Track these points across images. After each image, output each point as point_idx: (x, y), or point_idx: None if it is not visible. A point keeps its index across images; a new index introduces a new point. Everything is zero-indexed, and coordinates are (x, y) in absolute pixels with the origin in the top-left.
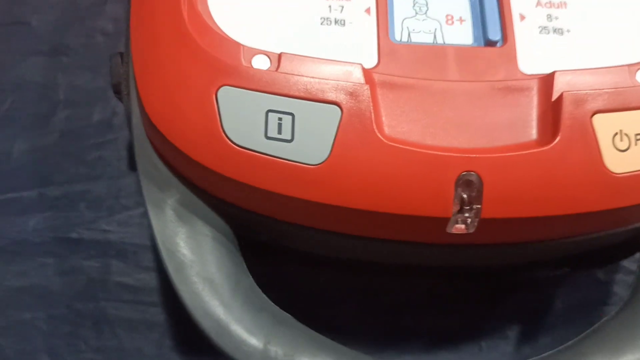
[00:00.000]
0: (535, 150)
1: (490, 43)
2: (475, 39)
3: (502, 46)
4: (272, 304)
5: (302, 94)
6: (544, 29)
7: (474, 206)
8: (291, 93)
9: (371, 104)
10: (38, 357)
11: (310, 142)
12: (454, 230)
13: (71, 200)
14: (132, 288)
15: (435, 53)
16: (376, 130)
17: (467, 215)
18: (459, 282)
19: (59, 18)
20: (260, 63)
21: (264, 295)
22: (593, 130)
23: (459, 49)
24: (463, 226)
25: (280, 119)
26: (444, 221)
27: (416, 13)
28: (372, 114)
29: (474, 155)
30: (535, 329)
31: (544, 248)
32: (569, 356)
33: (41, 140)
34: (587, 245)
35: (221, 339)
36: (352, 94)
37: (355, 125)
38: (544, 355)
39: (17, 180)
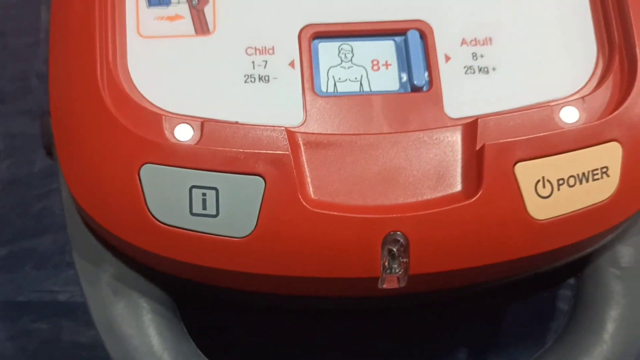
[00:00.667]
0: (459, 204)
1: (416, 88)
2: (402, 84)
3: (427, 91)
4: None
5: (224, 168)
6: (469, 69)
7: (402, 261)
8: (214, 167)
9: (294, 172)
10: None
11: (236, 216)
12: (385, 286)
13: (16, 260)
14: (85, 346)
15: (361, 103)
16: (300, 198)
17: (395, 272)
18: (409, 315)
19: None
20: (183, 134)
21: (205, 358)
22: (515, 179)
23: (385, 97)
24: (394, 282)
25: (204, 194)
26: (375, 279)
27: (342, 61)
28: (297, 182)
29: (399, 215)
30: (488, 352)
31: (479, 289)
32: None
33: None
34: (526, 280)
35: None
36: (275, 163)
37: (280, 195)
38: None
39: None
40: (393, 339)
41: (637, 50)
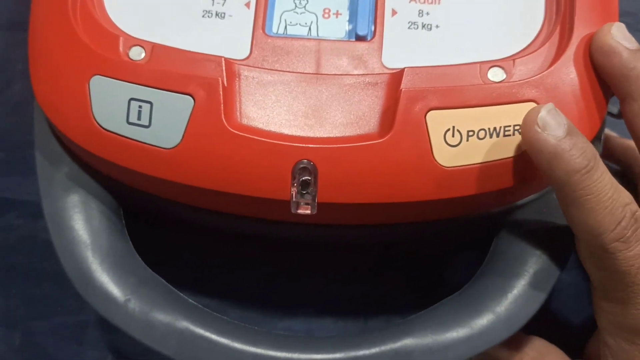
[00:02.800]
0: (367, 142)
1: (360, 38)
2: (348, 33)
3: (370, 40)
4: (146, 267)
5: (160, 85)
6: (413, 24)
7: (312, 190)
8: (151, 84)
9: (221, 95)
10: None
11: (165, 128)
12: (299, 211)
13: (10, 164)
14: None
15: (305, 46)
16: (224, 120)
17: (305, 199)
18: (350, 255)
19: None
20: (136, 54)
21: (139, 260)
22: (426, 125)
23: (329, 42)
24: (307, 208)
25: (140, 106)
26: (286, 203)
27: (295, 6)
28: (222, 104)
29: (311, 145)
30: (416, 299)
31: (392, 230)
32: (400, 329)
33: None
34: (437, 230)
35: (87, 292)
36: (205, 86)
37: (205, 114)
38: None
39: None
40: (328, 281)
41: (574, 24)
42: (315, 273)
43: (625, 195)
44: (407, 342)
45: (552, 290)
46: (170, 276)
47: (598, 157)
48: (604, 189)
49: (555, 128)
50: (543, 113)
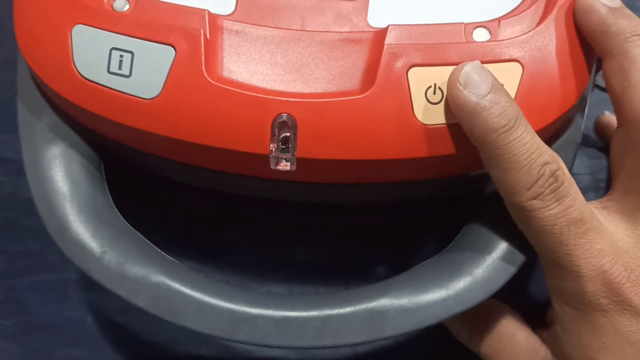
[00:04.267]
0: (348, 98)
1: None
2: None
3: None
4: (124, 222)
5: (142, 35)
6: None
7: (289, 146)
8: (133, 34)
9: (202, 47)
10: None
11: (145, 79)
12: (279, 168)
13: None
14: None
15: (291, 3)
16: (204, 72)
17: (284, 153)
18: (334, 220)
19: None
20: (120, 5)
21: (117, 213)
22: (407, 82)
23: (316, 1)
24: (287, 164)
25: (121, 56)
26: (266, 157)
27: None
28: (203, 57)
29: (290, 99)
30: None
31: (370, 190)
32: (377, 290)
33: None
34: (416, 191)
35: (63, 243)
36: (187, 38)
37: (186, 65)
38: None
39: None
40: (312, 243)
41: None
42: (298, 237)
43: (548, 155)
44: (383, 302)
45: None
46: (149, 233)
47: (521, 116)
48: (522, 148)
49: (479, 85)
50: (468, 68)
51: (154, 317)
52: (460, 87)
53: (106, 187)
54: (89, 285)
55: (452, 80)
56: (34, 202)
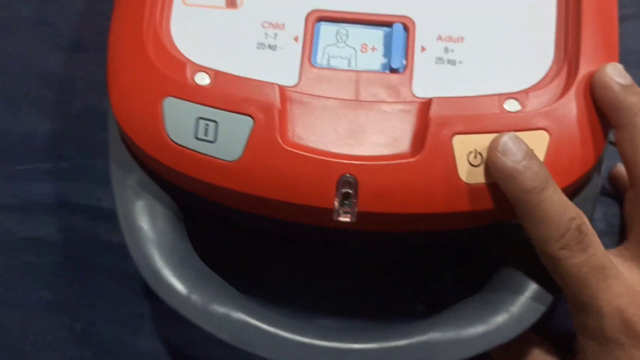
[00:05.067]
0: (402, 161)
1: (393, 70)
2: (382, 66)
3: (402, 73)
4: (204, 265)
5: (225, 106)
6: (439, 60)
7: (352, 201)
8: (217, 105)
9: (277, 117)
10: (40, 292)
11: (228, 144)
12: (340, 219)
13: (76, 174)
14: (116, 246)
15: (346, 76)
16: (279, 138)
17: (347, 208)
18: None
19: (81, 20)
20: (201, 79)
21: (197, 257)
22: (452, 147)
23: (367, 74)
24: (348, 216)
25: (207, 124)
26: (331, 211)
27: (337, 41)
28: (277, 125)
29: (353, 162)
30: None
31: (424, 237)
32: (427, 324)
33: (60, 122)
34: (461, 240)
35: (156, 285)
36: (263, 108)
37: (263, 133)
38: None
39: (37, 154)
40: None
41: (579, 64)
42: (341, 274)
43: (573, 212)
44: (433, 335)
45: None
46: (220, 272)
47: (550, 179)
48: (552, 206)
49: (515, 153)
50: (505, 138)
51: (219, 347)
52: (499, 155)
53: (186, 234)
54: (162, 319)
55: (491, 149)
56: (128, 249)
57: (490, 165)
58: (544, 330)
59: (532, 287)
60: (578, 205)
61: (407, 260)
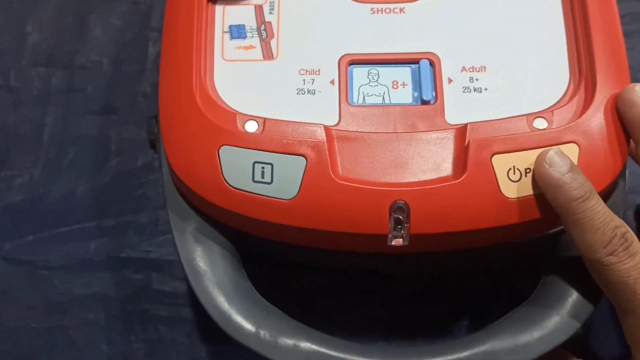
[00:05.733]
0: (448, 183)
1: (425, 102)
2: (414, 99)
3: (434, 104)
4: (265, 300)
5: (278, 149)
6: (466, 89)
7: (405, 225)
8: (270, 149)
9: (327, 154)
10: (99, 346)
11: (284, 184)
12: (394, 244)
13: (122, 229)
14: (168, 293)
15: (383, 111)
16: (331, 173)
17: (400, 232)
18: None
19: (109, 84)
20: (251, 126)
21: (257, 293)
22: (492, 167)
23: (401, 107)
24: (400, 240)
25: (263, 168)
26: (385, 237)
27: (370, 81)
28: (329, 162)
29: (403, 189)
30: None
31: (470, 255)
32: (484, 335)
33: (98, 182)
34: (505, 255)
35: (225, 325)
36: (314, 148)
37: (316, 170)
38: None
39: (81, 214)
40: (420, 305)
41: (597, 80)
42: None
43: (617, 221)
44: (493, 344)
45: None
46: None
47: (593, 190)
48: (597, 214)
49: (561, 165)
50: (551, 153)
51: None
52: (547, 166)
53: (245, 273)
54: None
55: (539, 162)
56: (195, 292)
57: (538, 177)
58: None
59: (577, 291)
60: (614, 203)
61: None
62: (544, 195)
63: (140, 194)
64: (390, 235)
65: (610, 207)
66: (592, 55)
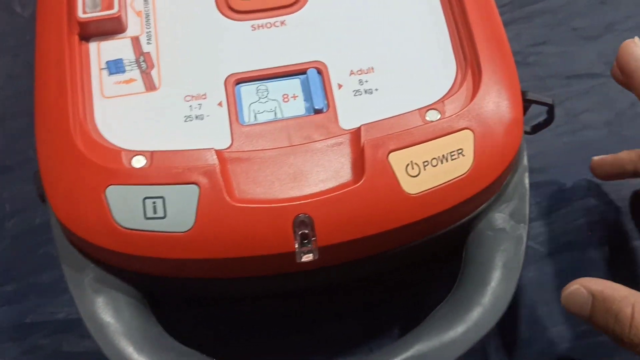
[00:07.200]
0: (348, 189)
1: (317, 111)
2: (307, 109)
3: (326, 112)
4: (179, 344)
5: (168, 181)
6: (357, 92)
7: (312, 239)
8: (160, 182)
9: (221, 179)
10: None
11: (179, 216)
12: (304, 260)
13: (23, 293)
14: (81, 354)
15: (276, 127)
16: (227, 198)
17: (307, 247)
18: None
19: None
20: (138, 162)
21: (171, 338)
22: (390, 165)
23: (294, 120)
24: (310, 255)
25: (154, 202)
26: (293, 254)
27: (259, 98)
28: (223, 186)
29: (303, 202)
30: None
31: (383, 258)
32: (410, 339)
33: None
34: (423, 250)
35: None
36: (206, 174)
37: (210, 197)
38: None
39: None
40: (334, 317)
41: (481, 65)
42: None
43: None
44: (419, 347)
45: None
46: (194, 345)
47: None
48: None
49: None
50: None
51: None
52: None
53: (154, 318)
54: None
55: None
56: (100, 349)
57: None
58: None
59: (496, 275)
60: (516, 184)
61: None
62: (447, 186)
63: (42, 253)
64: (298, 252)
65: (513, 186)
66: (474, 42)
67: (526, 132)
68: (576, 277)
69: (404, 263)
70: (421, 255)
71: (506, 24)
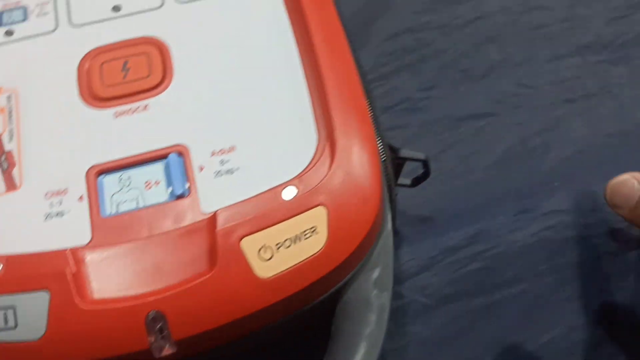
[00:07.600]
0: (201, 279)
1: (180, 196)
2: (170, 195)
3: (187, 196)
4: None
5: (20, 289)
6: (218, 173)
7: (165, 334)
8: (12, 290)
9: (72, 281)
10: None
11: (30, 324)
12: (164, 354)
13: None
14: None
15: (137, 217)
16: (77, 301)
17: (162, 341)
18: None
19: None
20: None
21: None
22: (242, 251)
23: (155, 208)
24: (168, 349)
25: (5, 313)
26: (149, 351)
27: (122, 187)
28: (73, 289)
29: (157, 297)
30: None
31: (249, 340)
32: None
33: None
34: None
35: None
36: (55, 278)
37: (61, 301)
38: None
39: None
40: None
41: (336, 139)
42: None
43: None
44: None
45: None
46: None
47: None
48: None
49: None
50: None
51: None
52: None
53: None
54: None
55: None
56: None
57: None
58: None
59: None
60: (379, 254)
61: None
62: (300, 265)
63: None
64: (154, 348)
65: (377, 253)
66: (330, 112)
67: (407, 186)
68: (465, 329)
69: (276, 338)
70: (292, 330)
71: (394, 72)
